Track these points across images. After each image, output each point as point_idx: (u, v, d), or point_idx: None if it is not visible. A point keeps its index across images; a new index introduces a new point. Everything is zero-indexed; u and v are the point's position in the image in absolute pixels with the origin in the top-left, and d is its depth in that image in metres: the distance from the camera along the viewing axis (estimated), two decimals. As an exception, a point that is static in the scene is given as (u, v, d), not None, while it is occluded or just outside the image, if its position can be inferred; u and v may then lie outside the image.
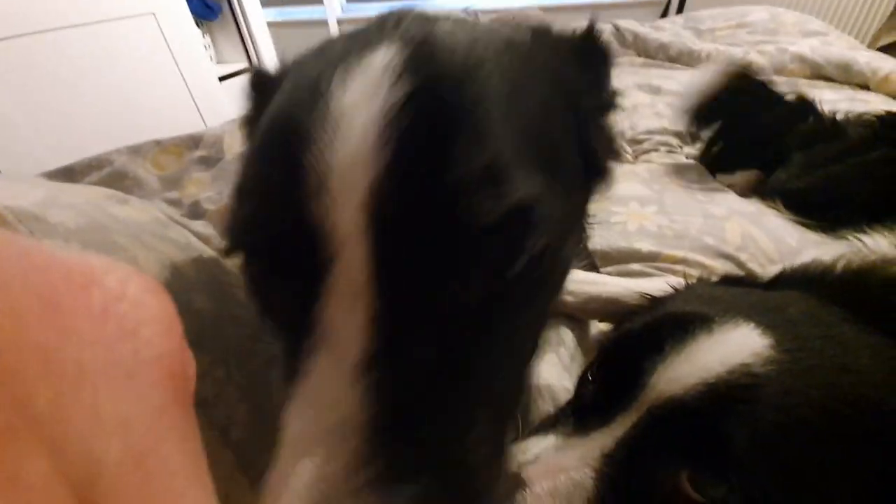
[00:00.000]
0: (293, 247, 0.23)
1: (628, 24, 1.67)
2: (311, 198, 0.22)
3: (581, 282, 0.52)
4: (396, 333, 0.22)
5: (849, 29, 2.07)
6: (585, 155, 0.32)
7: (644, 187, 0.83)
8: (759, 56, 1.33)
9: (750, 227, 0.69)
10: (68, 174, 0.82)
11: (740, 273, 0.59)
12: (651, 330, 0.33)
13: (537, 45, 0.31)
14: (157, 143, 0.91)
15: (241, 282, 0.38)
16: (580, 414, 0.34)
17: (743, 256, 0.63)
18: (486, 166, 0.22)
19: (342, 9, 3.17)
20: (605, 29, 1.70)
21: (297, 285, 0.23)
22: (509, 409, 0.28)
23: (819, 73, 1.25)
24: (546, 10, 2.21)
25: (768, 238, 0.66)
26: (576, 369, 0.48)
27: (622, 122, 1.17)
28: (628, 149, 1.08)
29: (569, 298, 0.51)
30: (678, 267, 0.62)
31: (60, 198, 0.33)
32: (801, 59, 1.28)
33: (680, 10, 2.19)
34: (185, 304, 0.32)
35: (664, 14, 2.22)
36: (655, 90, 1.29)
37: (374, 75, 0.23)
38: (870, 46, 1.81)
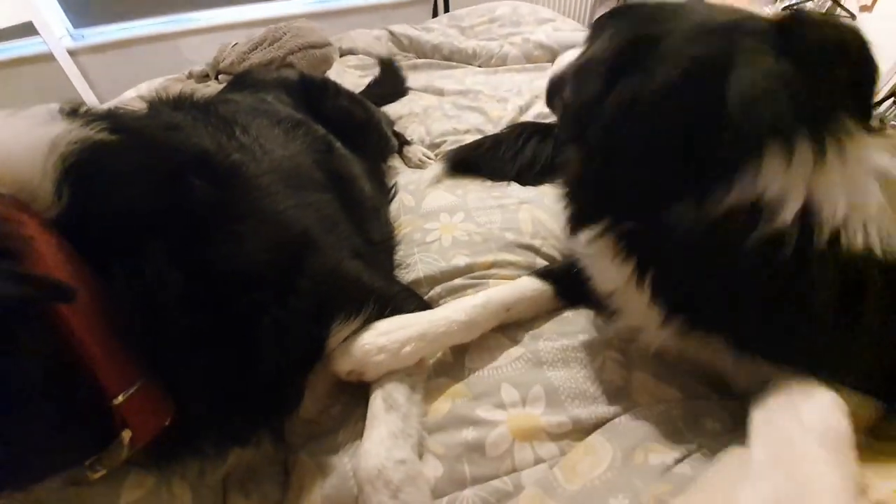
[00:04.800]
0: None
1: (402, 28, 1.74)
2: None
3: (387, 332, 0.50)
4: None
5: (570, 13, 2.56)
6: None
7: (449, 194, 0.89)
8: (511, 47, 1.55)
9: (536, 212, 0.80)
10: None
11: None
12: None
13: None
14: None
15: None
16: None
17: (537, 242, 0.74)
18: None
19: (72, 37, 2.54)
20: (381, 35, 1.75)
21: None
22: None
23: (556, 56, 1.51)
24: (317, 15, 2.16)
25: (549, 216, 0.79)
26: (414, 429, 0.45)
27: (418, 127, 1.24)
28: (431, 155, 1.14)
29: (380, 357, 0.48)
30: (491, 271, 0.69)
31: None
32: (541, 46, 1.54)
33: (447, 8, 2.38)
34: None
35: (434, 13, 2.38)
36: (439, 91, 1.38)
37: None
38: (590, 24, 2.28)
